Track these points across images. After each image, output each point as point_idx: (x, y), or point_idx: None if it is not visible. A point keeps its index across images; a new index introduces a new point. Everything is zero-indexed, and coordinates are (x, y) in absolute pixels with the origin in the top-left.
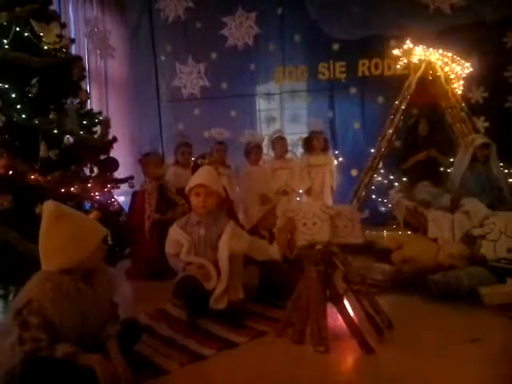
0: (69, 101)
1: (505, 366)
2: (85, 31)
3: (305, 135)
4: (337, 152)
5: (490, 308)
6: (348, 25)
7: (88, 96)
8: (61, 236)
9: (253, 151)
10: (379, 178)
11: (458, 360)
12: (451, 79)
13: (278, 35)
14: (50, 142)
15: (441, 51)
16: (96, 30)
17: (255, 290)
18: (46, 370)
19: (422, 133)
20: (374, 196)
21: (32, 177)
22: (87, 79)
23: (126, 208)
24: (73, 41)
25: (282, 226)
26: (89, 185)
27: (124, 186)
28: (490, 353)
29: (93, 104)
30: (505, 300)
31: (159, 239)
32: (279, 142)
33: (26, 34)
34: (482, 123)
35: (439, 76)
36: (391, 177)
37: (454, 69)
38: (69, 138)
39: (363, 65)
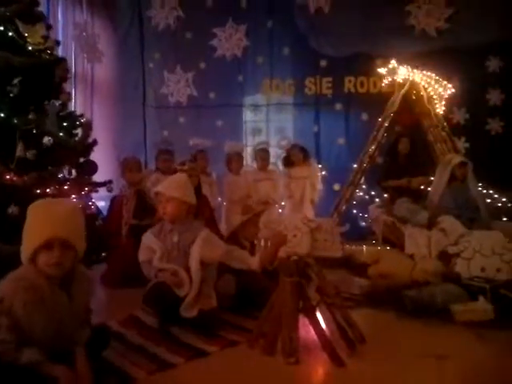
0: (49, 102)
1: (467, 381)
2: (73, 34)
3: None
4: (320, 166)
5: (461, 325)
6: (336, 42)
7: (69, 98)
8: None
9: (233, 159)
10: (361, 193)
11: (424, 374)
12: (434, 99)
13: (267, 48)
14: (28, 143)
15: (424, 72)
16: (84, 33)
17: (231, 299)
18: (7, 375)
19: (402, 151)
20: (354, 211)
21: (7, 177)
22: (73, 82)
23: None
24: (58, 43)
25: (275, 239)
26: (65, 187)
27: (105, 191)
28: (455, 369)
29: (77, 107)
30: (475, 317)
31: (136, 245)
32: (260, 154)
33: (10, 34)
34: (462, 144)
35: (422, 96)
36: (372, 192)
37: (436, 89)
38: (50, 140)
39: (349, 81)
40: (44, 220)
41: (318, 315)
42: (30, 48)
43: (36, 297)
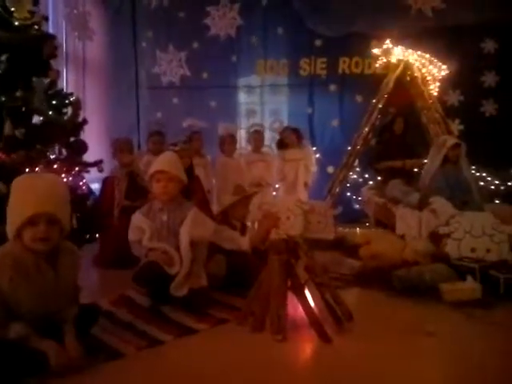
0: (37, 79)
1: (453, 359)
2: (64, 12)
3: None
4: (314, 148)
5: (449, 304)
6: (331, 21)
7: (58, 75)
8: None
9: (226, 141)
10: (355, 176)
11: (411, 351)
12: (428, 81)
13: (261, 28)
14: (17, 121)
15: (419, 52)
16: (75, 11)
17: (222, 280)
18: None
19: (397, 131)
20: (348, 193)
21: None
22: (64, 61)
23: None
24: (46, 18)
25: (267, 219)
26: (55, 166)
27: (98, 173)
28: (442, 345)
29: (69, 87)
30: (463, 297)
31: (128, 226)
32: (254, 136)
33: None
34: (457, 126)
35: (416, 77)
36: (366, 175)
37: (431, 70)
38: (39, 118)
39: (344, 62)
40: (28, 196)
41: (307, 293)
42: (16, 23)
43: (21, 272)
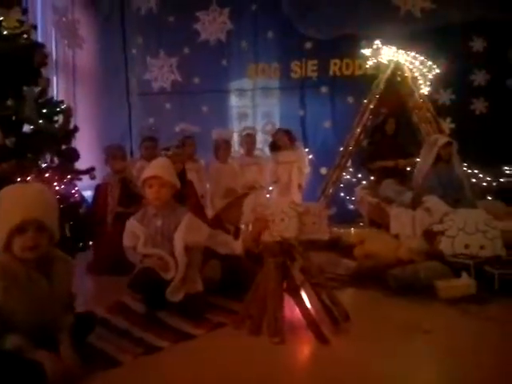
0: (27, 88)
1: (450, 355)
2: (53, 20)
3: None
4: (307, 150)
5: (445, 301)
6: (321, 24)
7: (49, 84)
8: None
9: (221, 147)
10: (348, 177)
11: (408, 349)
12: (418, 80)
13: (251, 32)
14: (7, 130)
15: (409, 52)
16: (64, 19)
17: (217, 284)
18: None
19: (388, 132)
20: (342, 194)
21: None
22: (54, 69)
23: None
24: (35, 27)
25: (257, 222)
26: (46, 174)
27: (91, 180)
28: (438, 342)
29: (60, 95)
30: (459, 293)
31: (122, 233)
32: (246, 139)
33: None
34: (448, 124)
35: (407, 77)
36: (359, 175)
37: (421, 70)
38: (30, 127)
39: (335, 64)
40: (16, 204)
41: (303, 295)
42: (5, 32)
43: (12, 281)
